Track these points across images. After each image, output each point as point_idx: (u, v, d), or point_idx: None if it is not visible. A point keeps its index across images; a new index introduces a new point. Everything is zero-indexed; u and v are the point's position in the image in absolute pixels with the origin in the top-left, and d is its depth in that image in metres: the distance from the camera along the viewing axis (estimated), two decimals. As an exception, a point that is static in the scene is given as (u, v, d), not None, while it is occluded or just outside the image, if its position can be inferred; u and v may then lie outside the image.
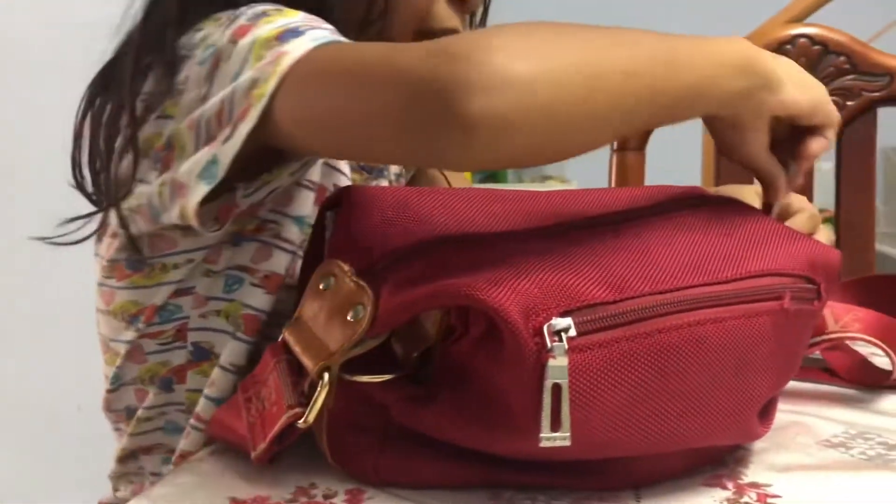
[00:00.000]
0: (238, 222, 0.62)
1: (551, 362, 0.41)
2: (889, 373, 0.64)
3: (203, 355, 0.65)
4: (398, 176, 0.79)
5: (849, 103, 0.99)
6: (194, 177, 0.55)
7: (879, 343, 0.63)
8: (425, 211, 0.52)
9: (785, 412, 0.58)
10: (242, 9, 0.58)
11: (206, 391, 0.64)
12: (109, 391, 0.68)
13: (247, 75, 0.52)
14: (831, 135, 0.60)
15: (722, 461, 0.52)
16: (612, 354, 0.43)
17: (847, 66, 0.99)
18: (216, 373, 0.63)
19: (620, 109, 0.46)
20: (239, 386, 0.53)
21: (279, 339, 0.50)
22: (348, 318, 0.46)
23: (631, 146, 1.03)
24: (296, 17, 0.55)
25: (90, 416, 0.70)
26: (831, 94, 0.99)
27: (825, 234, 0.75)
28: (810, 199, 1.03)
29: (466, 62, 0.42)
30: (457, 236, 0.49)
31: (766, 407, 0.52)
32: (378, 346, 0.46)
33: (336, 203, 0.53)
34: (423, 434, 0.48)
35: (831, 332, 0.64)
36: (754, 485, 0.49)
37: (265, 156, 0.54)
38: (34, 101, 1.44)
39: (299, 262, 0.63)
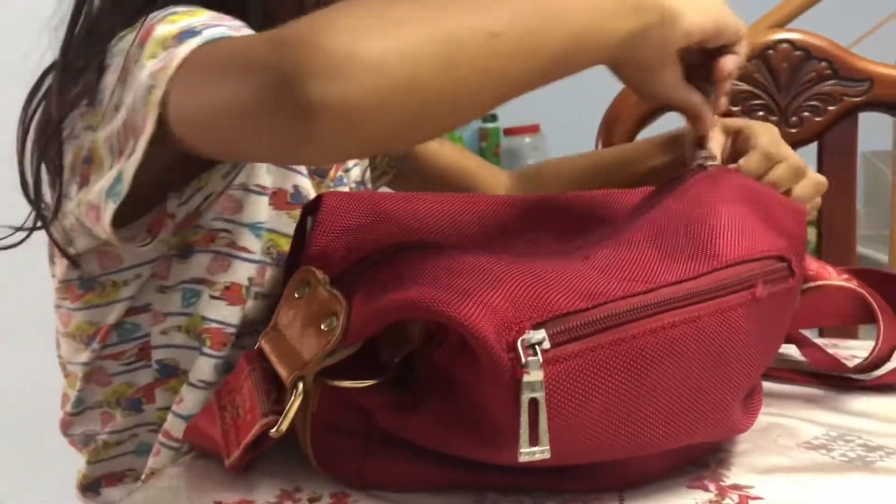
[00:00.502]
0: (180, 234, 0.60)
1: (526, 377, 0.41)
2: (857, 378, 0.65)
3: (170, 372, 0.63)
4: (359, 183, 0.76)
5: (830, 108, 1.00)
6: (103, 196, 0.53)
7: (870, 299, 0.65)
8: (400, 217, 0.52)
9: (766, 414, 0.59)
10: (156, 12, 0.55)
11: (175, 408, 0.62)
12: (71, 414, 0.66)
13: (144, 82, 0.50)
14: (742, 48, 0.57)
15: (704, 463, 0.52)
16: (587, 363, 0.43)
17: (828, 72, 0.99)
18: (185, 389, 0.62)
19: (491, 76, 0.43)
20: (213, 393, 0.53)
21: (255, 347, 0.50)
22: (322, 327, 0.45)
23: (617, 143, 1.04)
24: (201, 17, 0.53)
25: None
26: (813, 98, 1.01)
27: (789, 166, 0.70)
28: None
29: (306, 47, 0.39)
30: (429, 243, 0.49)
31: (750, 397, 0.53)
32: (362, 350, 0.46)
33: (316, 209, 0.53)
34: (408, 438, 0.48)
35: (833, 280, 0.66)
36: (736, 487, 0.50)
37: (193, 161, 0.52)
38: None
39: (268, 270, 0.62)
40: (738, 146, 0.71)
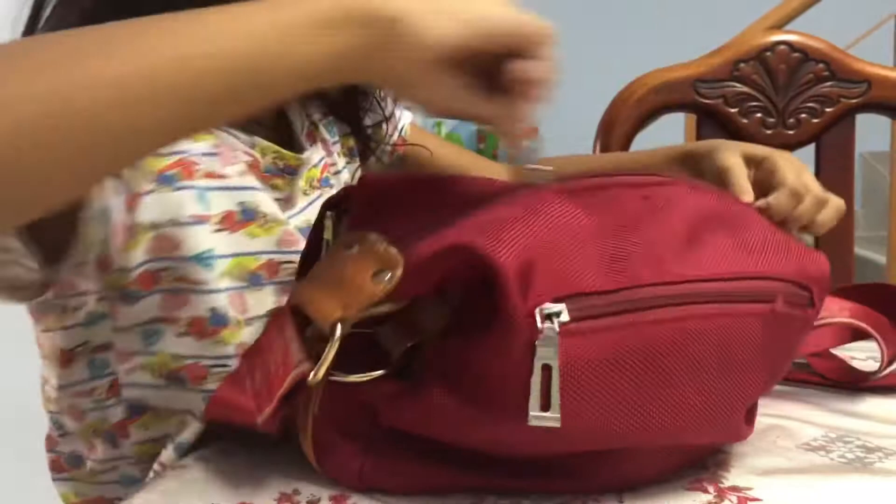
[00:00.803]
0: (108, 277, 0.58)
1: (540, 342, 0.42)
2: (868, 374, 0.65)
3: (139, 410, 0.62)
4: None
5: (827, 110, 1.00)
6: None
7: (868, 328, 0.65)
8: (438, 193, 0.52)
9: (765, 415, 0.59)
10: None
11: (180, 438, 0.62)
12: (57, 435, 0.66)
13: None
14: (540, 52, 0.46)
15: (703, 465, 0.52)
16: (601, 342, 0.44)
17: (826, 73, 1.00)
18: (190, 421, 0.62)
19: (115, 129, 0.38)
20: (241, 357, 0.52)
21: (284, 306, 0.49)
22: (373, 279, 0.45)
23: (614, 147, 1.04)
24: None
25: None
26: (810, 100, 1.01)
27: (813, 198, 0.68)
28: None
29: None
30: (469, 211, 0.48)
31: (751, 410, 0.53)
32: (366, 346, 0.47)
33: (337, 204, 0.53)
34: (409, 437, 0.48)
35: (821, 318, 0.65)
36: (735, 488, 0.50)
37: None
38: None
39: (247, 295, 0.61)
40: (760, 177, 0.70)
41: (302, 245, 0.56)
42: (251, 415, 0.48)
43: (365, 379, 0.47)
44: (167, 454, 0.62)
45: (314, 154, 0.71)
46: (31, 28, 0.61)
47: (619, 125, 1.01)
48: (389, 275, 0.44)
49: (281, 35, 0.41)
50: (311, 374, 0.44)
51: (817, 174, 1.04)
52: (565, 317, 0.43)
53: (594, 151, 1.04)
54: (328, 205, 0.54)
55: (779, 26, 1.67)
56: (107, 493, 0.67)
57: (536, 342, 0.42)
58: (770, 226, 0.54)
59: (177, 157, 0.59)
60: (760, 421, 0.55)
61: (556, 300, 0.43)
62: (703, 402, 0.47)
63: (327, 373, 0.45)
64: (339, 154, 0.75)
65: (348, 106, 0.74)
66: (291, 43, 0.41)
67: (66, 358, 0.62)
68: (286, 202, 0.67)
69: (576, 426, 0.44)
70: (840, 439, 0.57)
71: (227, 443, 0.56)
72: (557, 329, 0.43)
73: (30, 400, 0.68)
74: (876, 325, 0.66)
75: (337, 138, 0.75)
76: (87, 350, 0.62)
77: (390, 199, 0.52)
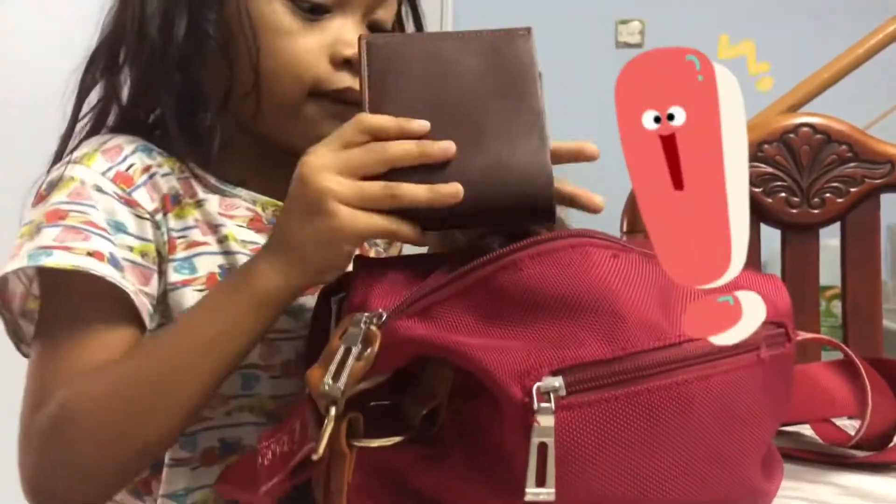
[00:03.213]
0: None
1: (538, 423, 0.43)
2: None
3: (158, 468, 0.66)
4: None
5: (852, 189, 1.02)
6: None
7: (853, 356, 0.68)
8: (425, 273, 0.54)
9: (792, 498, 0.59)
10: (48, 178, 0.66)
11: (162, 489, 0.65)
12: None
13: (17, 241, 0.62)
14: None
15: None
16: (600, 413, 0.44)
17: (849, 155, 1.01)
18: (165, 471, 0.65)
19: (160, 404, 0.57)
20: (259, 436, 0.55)
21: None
22: (356, 357, 0.48)
23: (640, 227, 1.06)
24: (43, 235, 0.61)
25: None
26: (835, 180, 1.02)
27: None
28: (815, 276, 1.05)
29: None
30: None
31: (768, 463, 0.53)
32: (390, 413, 0.49)
33: (338, 289, 0.57)
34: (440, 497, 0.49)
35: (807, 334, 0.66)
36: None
37: None
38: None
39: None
40: None
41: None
42: (256, 493, 0.51)
43: (388, 444, 0.49)
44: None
45: None
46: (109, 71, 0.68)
47: (646, 203, 1.03)
48: (368, 351, 0.48)
49: (236, 317, 0.58)
50: (315, 452, 0.47)
51: (843, 250, 1.05)
52: (563, 391, 0.44)
53: (622, 226, 1.06)
54: (328, 291, 0.57)
55: (796, 107, 1.68)
56: None
57: (533, 423, 0.43)
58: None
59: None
60: None
61: (555, 373, 0.44)
62: (708, 462, 0.47)
63: (349, 445, 0.48)
64: None
65: None
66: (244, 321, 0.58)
67: None
68: None
69: (577, 498, 0.45)
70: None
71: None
72: (553, 407, 0.43)
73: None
74: (868, 372, 0.67)
75: None
76: None
77: (387, 273, 0.54)
